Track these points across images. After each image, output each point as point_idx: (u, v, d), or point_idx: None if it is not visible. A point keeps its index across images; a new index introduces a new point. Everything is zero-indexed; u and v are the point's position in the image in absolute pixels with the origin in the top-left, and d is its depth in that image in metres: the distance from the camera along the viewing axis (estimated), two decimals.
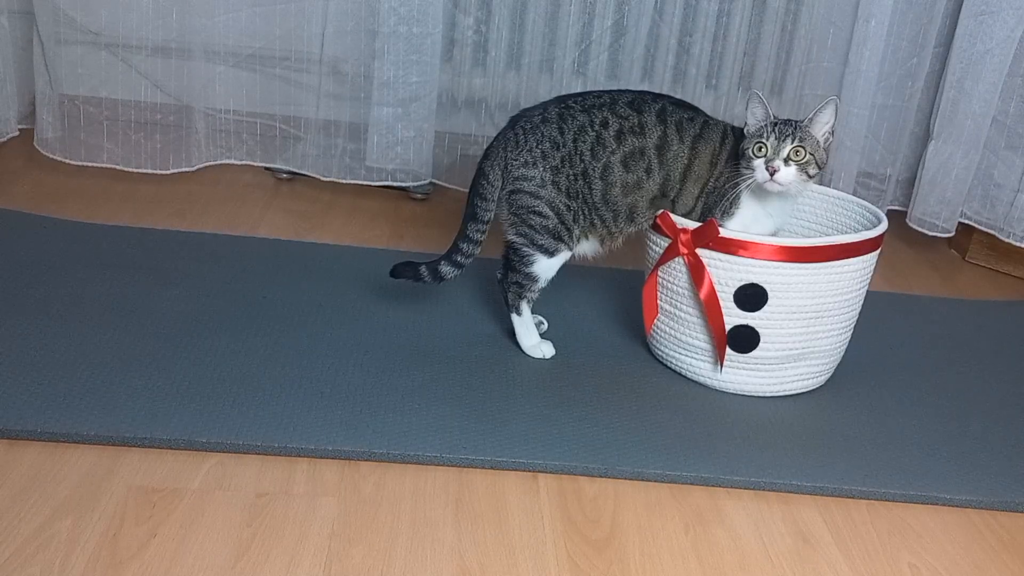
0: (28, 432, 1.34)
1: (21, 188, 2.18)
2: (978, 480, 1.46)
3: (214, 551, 1.18)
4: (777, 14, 2.33)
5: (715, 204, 1.60)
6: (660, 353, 1.70)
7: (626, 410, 1.55)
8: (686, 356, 1.64)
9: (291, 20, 2.28)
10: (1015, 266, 2.30)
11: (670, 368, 1.68)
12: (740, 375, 1.61)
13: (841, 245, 1.54)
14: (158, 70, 2.28)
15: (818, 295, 1.55)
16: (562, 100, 1.63)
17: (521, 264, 1.64)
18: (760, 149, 1.54)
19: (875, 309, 1.77)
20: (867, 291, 1.64)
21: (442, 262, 1.64)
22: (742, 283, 1.54)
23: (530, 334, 1.68)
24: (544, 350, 1.68)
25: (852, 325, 1.65)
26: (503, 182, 1.61)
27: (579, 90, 2.19)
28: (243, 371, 1.53)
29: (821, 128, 1.56)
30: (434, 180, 2.34)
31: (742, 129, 1.61)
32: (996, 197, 2.26)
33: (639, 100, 1.61)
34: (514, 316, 1.68)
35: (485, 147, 1.66)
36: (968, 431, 1.59)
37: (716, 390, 1.63)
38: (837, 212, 1.75)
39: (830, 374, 1.68)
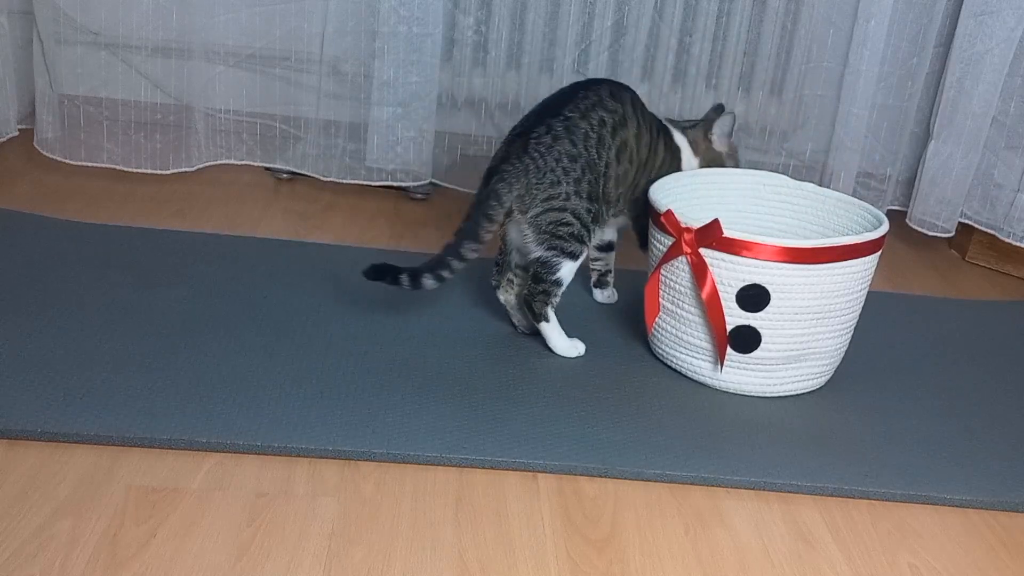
0: (28, 432, 1.34)
1: (21, 188, 2.18)
2: (978, 480, 1.46)
3: (214, 551, 1.18)
4: (777, 14, 2.33)
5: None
6: (661, 352, 1.70)
7: (626, 410, 1.55)
8: (687, 356, 1.64)
9: (291, 20, 2.27)
10: (1015, 266, 2.30)
11: (671, 368, 1.68)
12: (741, 375, 1.61)
13: (843, 246, 1.54)
14: (158, 70, 2.28)
15: (820, 296, 1.55)
16: (554, 112, 1.62)
17: (548, 274, 1.63)
18: None
19: (875, 309, 1.77)
20: (867, 291, 1.64)
21: (425, 274, 1.59)
22: (745, 283, 1.54)
23: (562, 336, 1.68)
24: (578, 347, 1.69)
25: (853, 326, 1.65)
26: (524, 207, 1.60)
27: None
28: (243, 371, 1.53)
29: None
30: (434, 180, 2.34)
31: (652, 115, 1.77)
32: (996, 197, 2.26)
33: (615, 91, 1.69)
34: (543, 325, 1.67)
35: (493, 165, 1.62)
36: (968, 431, 1.59)
37: (717, 390, 1.63)
38: (838, 214, 1.75)
39: (831, 375, 1.68)
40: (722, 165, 1.84)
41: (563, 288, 1.66)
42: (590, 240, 1.66)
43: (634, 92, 1.73)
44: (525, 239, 1.63)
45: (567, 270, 1.64)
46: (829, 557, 1.30)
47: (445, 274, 1.59)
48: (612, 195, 1.68)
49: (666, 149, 1.78)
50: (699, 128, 1.84)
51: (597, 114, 1.63)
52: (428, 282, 1.59)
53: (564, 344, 1.68)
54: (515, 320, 1.75)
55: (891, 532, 1.36)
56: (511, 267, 1.71)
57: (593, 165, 1.62)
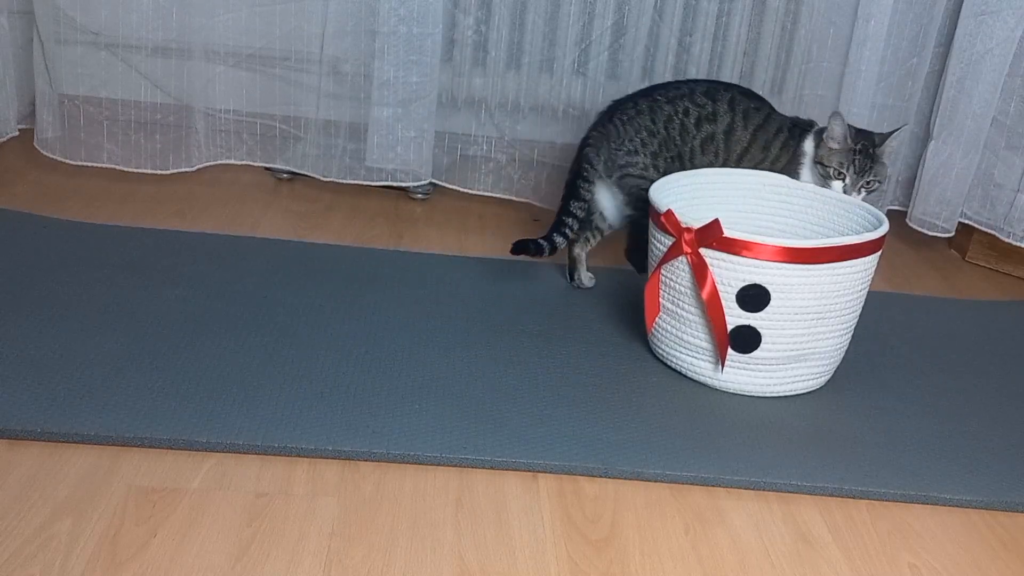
0: (28, 432, 1.34)
1: (21, 188, 2.18)
2: (978, 480, 1.46)
3: (214, 551, 1.18)
4: (777, 14, 2.33)
5: None
6: (661, 352, 1.70)
7: (626, 410, 1.55)
8: (687, 355, 1.64)
9: (291, 20, 2.27)
10: (1015, 266, 2.30)
11: (671, 368, 1.68)
12: (741, 375, 1.61)
13: (843, 246, 1.54)
14: (158, 70, 2.28)
15: (820, 296, 1.55)
16: (647, 94, 1.86)
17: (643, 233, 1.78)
18: (840, 175, 1.79)
19: (875, 309, 1.77)
20: (867, 291, 1.64)
21: (554, 234, 1.82)
22: (745, 283, 1.54)
23: None
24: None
25: (853, 326, 1.65)
26: (607, 169, 1.83)
27: (581, 90, 2.29)
28: (243, 371, 1.53)
29: (890, 153, 1.82)
30: (434, 180, 2.34)
31: (796, 121, 1.88)
32: (996, 197, 2.26)
33: (712, 90, 1.86)
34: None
35: (585, 135, 1.87)
36: (968, 431, 1.59)
37: (717, 390, 1.63)
38: (838, 214, 1.75)
39: (831, 375, 1.68)
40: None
41: None
42: None
43: (739, 94, 1.86)
44: (616, 199, 1.86)
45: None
46: (829, 557, 1.30)
47: (567, 231, 1.83)
48: None
49: (783, 150, 1.86)
50: (819, 132, 1.85)
51: (683, 104, 1.83)
52: (559, 240, 1.83)
53: None
54: (575, 276, 1.94)
55: (891, 532, 1.36)
56: (592, 227, 1.91)
57: (671, 145, 1.82)
